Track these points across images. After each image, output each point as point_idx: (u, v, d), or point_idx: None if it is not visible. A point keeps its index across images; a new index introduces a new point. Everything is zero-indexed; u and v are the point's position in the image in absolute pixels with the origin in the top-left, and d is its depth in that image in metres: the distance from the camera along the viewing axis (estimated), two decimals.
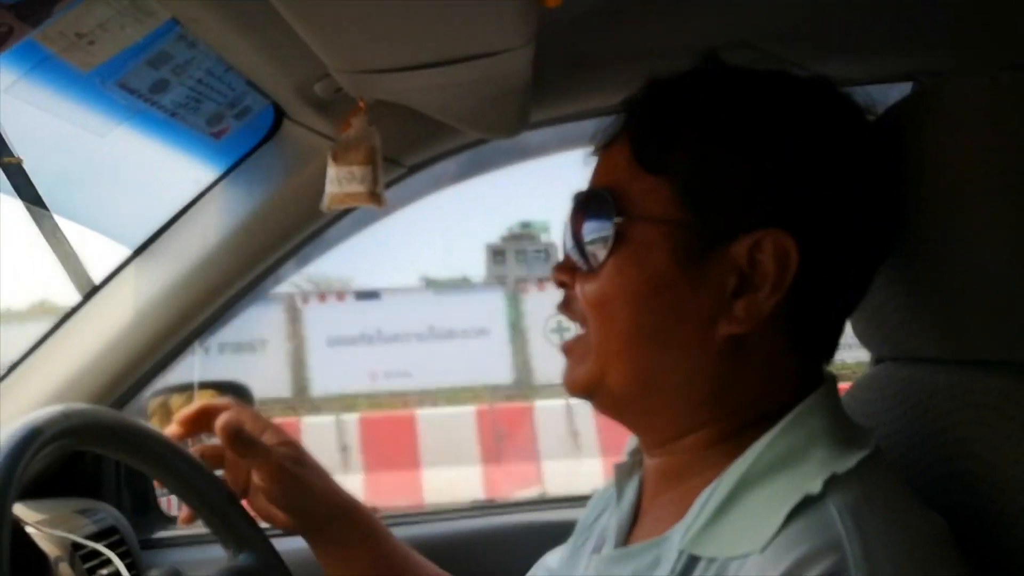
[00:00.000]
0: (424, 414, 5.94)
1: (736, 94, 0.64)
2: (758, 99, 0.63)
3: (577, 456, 5.60)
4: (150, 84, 0.94)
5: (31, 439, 0.63)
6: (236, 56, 0.92)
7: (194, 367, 1.42)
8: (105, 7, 0.81)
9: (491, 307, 6.45)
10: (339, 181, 0.95)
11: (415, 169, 1.16)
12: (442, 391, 6.34)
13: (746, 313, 0.60)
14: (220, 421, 0.80)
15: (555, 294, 0.70)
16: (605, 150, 0.68)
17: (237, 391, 1.54)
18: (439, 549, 1.27)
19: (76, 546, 1.06)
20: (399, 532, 1.29)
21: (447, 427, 5.85)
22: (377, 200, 0.97)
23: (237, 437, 0.80)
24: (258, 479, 0.82)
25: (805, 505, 0.55)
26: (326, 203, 0.97)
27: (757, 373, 0.62)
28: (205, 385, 1.51)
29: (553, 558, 0.84)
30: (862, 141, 0.64)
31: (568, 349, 0.68)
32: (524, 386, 6.28)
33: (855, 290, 0.66)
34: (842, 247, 0.62)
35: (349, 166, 0.95)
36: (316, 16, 0.67)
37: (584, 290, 0.65)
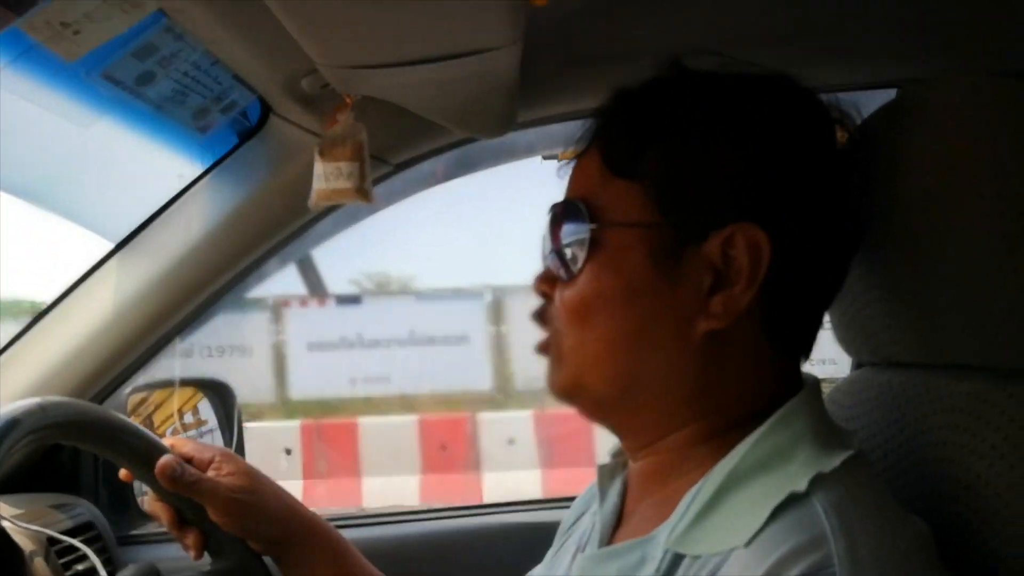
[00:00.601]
0: None
1: (699, 97, 0.65)
2: (720, 100, 0.64)
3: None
4: (135, 76, 0.94)
5: (8, 431, 0.63)
6: (223, 49, 0.92)
7: (174, 364, 1.41)
8: None
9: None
10: (326, 177, 0.95)
11: (401, 167, 1.16)
12: None
13: (723, 308, 0.61)
14: (157, 467, 0.80)
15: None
16: (577, 160, 0.69)
17: (217, 389, 1.52)
18: (406, 552, 1.29)
19: (52, 541, 1.05)
20: (367, 534, 1.30)
21: None
22: (364, 196, 0.97)
23: (176, 479, 0.80)
24: (211, 512, 0.82)
25: (790, 502, 0.56)
26: (313, 199, 0.97)
27: (737, 370, 0.63)
28: (186, 382, 1.50)
29: (538, 570, 0.83)
30: (821, 131, 0.66)
31: (545, 351, 0.69)
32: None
33: (829, 283, 0.67)
34: (813, 238, 0.63)
35: (336, 162, 0.94)
36: (304, 10, 0.67)
37: (563, 297, 0.66)
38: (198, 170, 1.16)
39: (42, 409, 0.67)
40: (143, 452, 0.80)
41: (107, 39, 0.85)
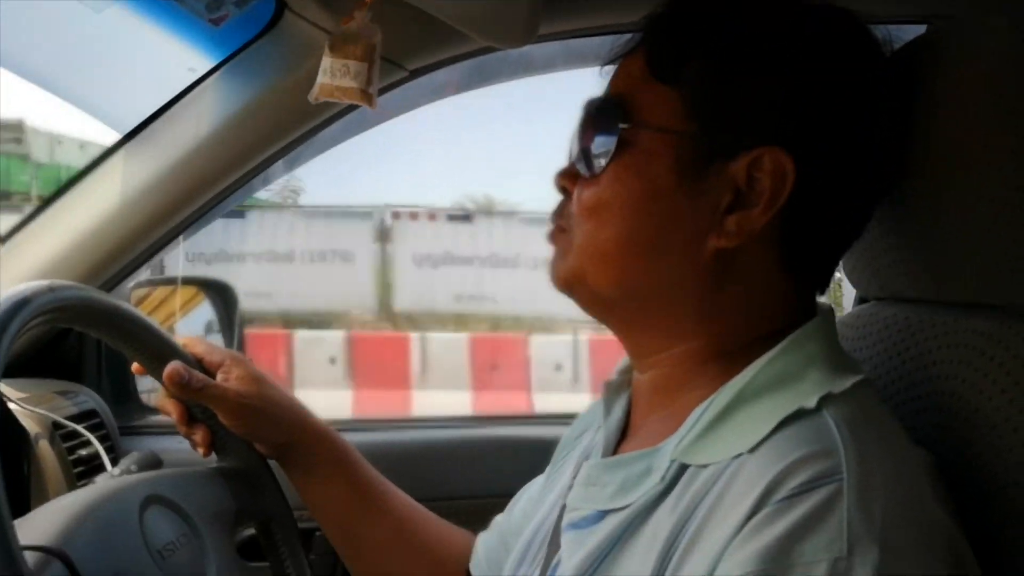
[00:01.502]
0: None
1: (753, 14, 0.64)
2: (774, 21, 0.64)
3: None
4: None
5: (17, 309, 0.62)
6: None
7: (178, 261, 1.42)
8: None
9: None
10: (332, 72, 0.92)
11: (417, 73, 1.14)
12: None
13: (737, 227, 0.62)
14: (165, 372, 0.80)
15: None
16: (622, 60, 0.68)
17: (220, 289, 1.54)
18: (406, 458, 1.32)
19: (57, 425, 1.07)
20: (368, 439, 1.33)
21: None
22: (368, 99, 0.94)
23: (184, 386, 0.80)
24: (219, 415, 0.83)
25: (799, 416, 0.57)
26: (315, 92, 0.94)
27: (746, 292, 0.64)
28: (188, 281, 1.52)
29: (534, 487, 0.86)
30: (874, 73, 0.65)
31: (553, 240, 0.70)
32: None
33: (851, 222, 0.67)
34: (841, 174, 0.63)
35: (345, 59, 0.91)
36: None
37: (582, 195, 0.66)
38: (210, 64, 1.13)
39: (51, 290, 0.66)
40: (154, 348, 0.80)
41: None
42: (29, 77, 1.08)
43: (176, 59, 1.12)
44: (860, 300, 0.96)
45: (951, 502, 0.58)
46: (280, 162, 1.24)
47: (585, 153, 0.66)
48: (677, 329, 0.65)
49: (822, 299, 0.69)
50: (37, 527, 0.62)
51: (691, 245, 0.63)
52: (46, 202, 1.19)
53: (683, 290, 0.64)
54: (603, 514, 0.63)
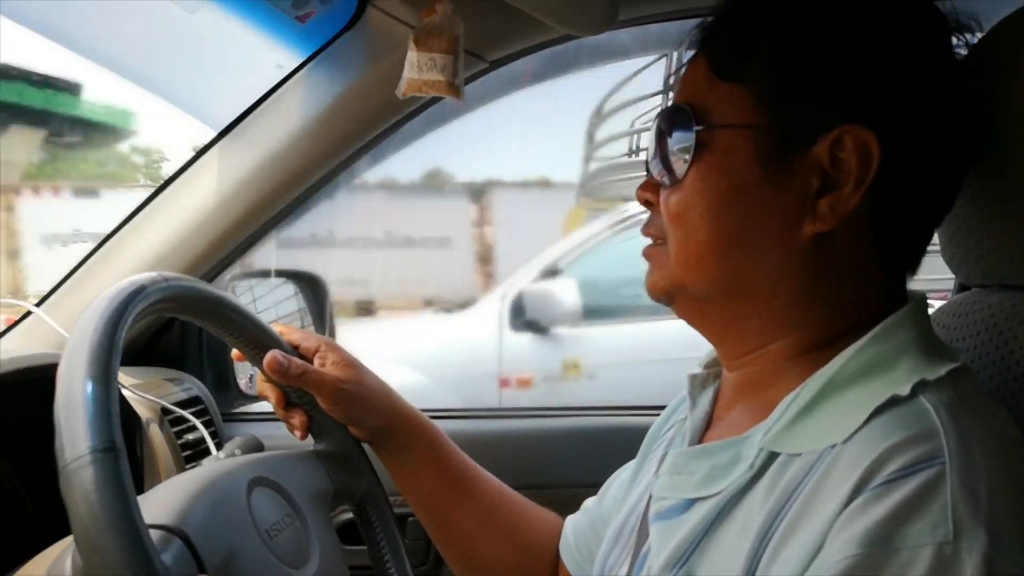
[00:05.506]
0: None
1: None
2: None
3: None
4: None
5: (134, 296, 0.64)
6: None
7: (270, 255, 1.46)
8: None
9: None
10: (419, 67, 0.93)
11: (497, 64, 1.14)
12: None
13: (830, 210, 0.61)
14: (265, 360, 0.82)
15: None
16: (685, 68, 0.68)
17: (311, 281, 1.58)
18: (497, 447, 1.33)
19: (165, 411, 1.13)
20: (456, 426, 1.35)
21: None
22: (456, 92, 0.95)
23: (283, 373, 0.82)
24: (317, 400, 0.85)
25: (894, 403, 0.56)
26: (403, 88, 0.95)
27: (842, 276, 0.63)
28: (281, 273, 1.56)
29: (625, 473, 0.85)
30: (936, 38, 0.63)
31: (649, 255, 0.69)
32: None
33: (940, 195, 0.65)
34: (923, 144, 0.61)
35: (430, 52, 0.92)
36: None
37: (668, 203, 0.66)
38: (296, 60, 1.16)
39: (164, 280, 0.68)
40: (254, 336, 0.82)
41: None
42: (127, 76, 1.13)
43: (265, 56, 1.15)
44: (960, 288, 0.92)
45: None
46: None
47: (664, 162, 0.66)
48: (776, 323, 0.64)
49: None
50: (155, 506, 0.65)
51: (786, 234, 0.62)
52: (147, 199, 1.25)
53: (784, 280, 0.63)
54: (691, 502, 0.63)
